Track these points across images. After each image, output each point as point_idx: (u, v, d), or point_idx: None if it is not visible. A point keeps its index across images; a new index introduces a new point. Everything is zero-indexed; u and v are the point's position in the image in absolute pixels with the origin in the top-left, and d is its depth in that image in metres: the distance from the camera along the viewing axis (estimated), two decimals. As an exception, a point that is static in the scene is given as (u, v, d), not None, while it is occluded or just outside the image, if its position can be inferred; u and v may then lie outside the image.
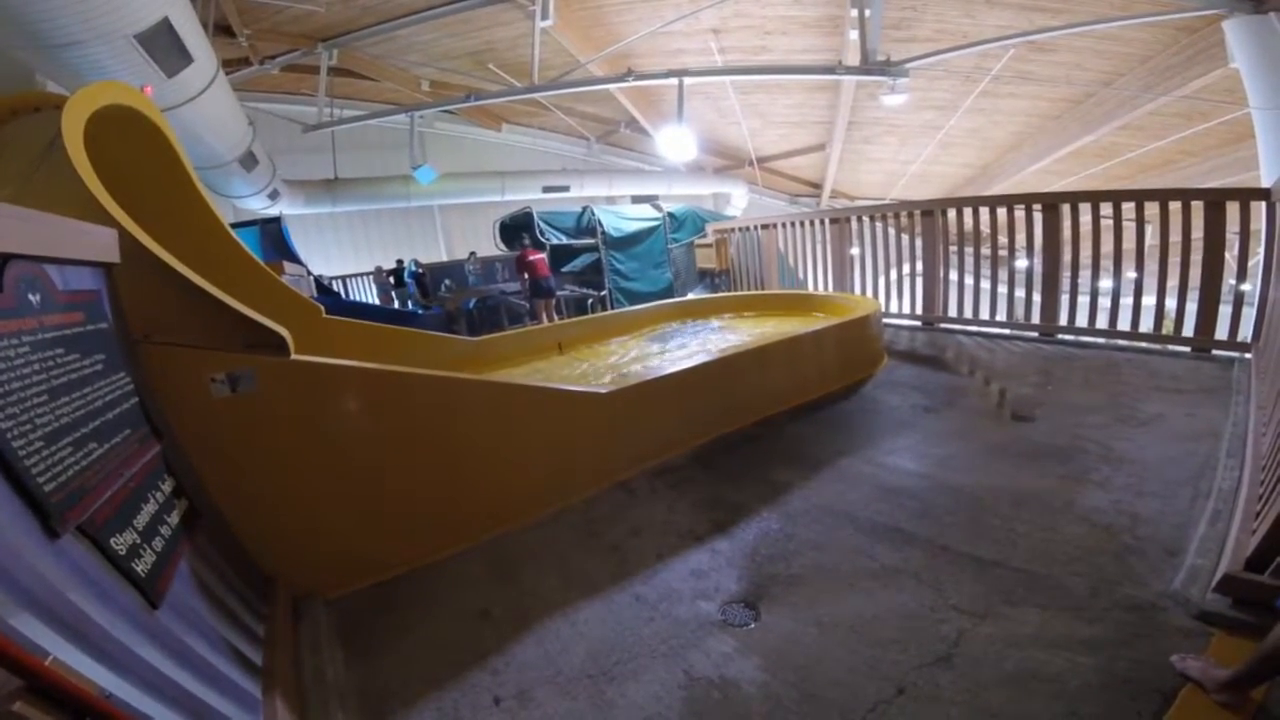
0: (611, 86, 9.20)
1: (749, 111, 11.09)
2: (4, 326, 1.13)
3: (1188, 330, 3.83)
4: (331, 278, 10.58)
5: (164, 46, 4.64)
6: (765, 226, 6.80)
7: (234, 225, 8.15)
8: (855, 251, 5.82)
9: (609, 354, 4.42)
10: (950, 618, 1.85)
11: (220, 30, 7.97)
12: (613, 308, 8.36)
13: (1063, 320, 4.31)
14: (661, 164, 13.46)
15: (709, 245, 7.64)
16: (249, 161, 8.30)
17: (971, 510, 2.45)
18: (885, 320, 5.02)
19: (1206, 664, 1.50)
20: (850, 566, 2.17)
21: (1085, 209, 4.27)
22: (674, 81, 7.73)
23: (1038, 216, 4.40)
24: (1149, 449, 2.74)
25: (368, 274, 11.34)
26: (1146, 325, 4.03)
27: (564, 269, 9.09)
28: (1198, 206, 3.68)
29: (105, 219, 1.76)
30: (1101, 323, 4.20)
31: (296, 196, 10.66)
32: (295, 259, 8.14)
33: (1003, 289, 4.87)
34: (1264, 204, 3.47)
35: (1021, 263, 4.85)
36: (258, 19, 8.23)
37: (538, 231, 8.48)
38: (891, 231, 5.54)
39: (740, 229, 7.34)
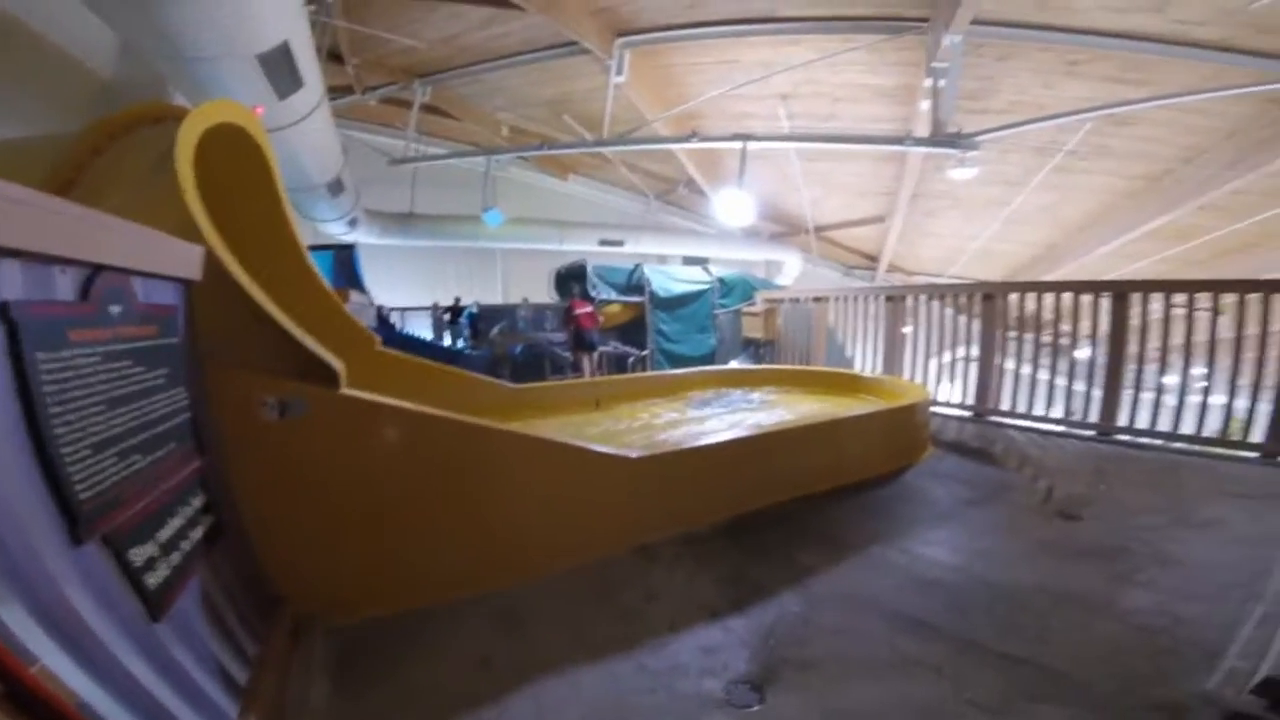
0: (676, 146, 9.54)
1: (811, 179, 11.16)
2: (80, 335, 1.22)
3: (1257, 434, 3.60)
4: (392, 309, 11.05)
5: (280, 69, 4.88)
6: (817, 299, 6.78)
7: (312, 248, 8.72)
8: (908, 330, 5.71)
9: (646, 414, 4.41)
10: (966, 712, 1.75)
11: (330, 57, 8.60)
12: (653, 368, 8.39)
13: (1123, 419, 4.08)
14: (715, 226, 13.69)
15: (757, 314, 7.64)
16: (336, 188, 8.73)
17: (1004, 606, 2.32)
18: (934, 408, 4.86)
19: None
20: (867, 656, 2.07)
21: (1156, 297, 4.09)
22: (738, 145, 7.91)
23: (1104, 303, 4.24)
24: (1203, 552, 2.59)
25: (425, 308, 11.80)
26: (1213, 427, 3.80)
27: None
28: (1277, 298, 3.52)
29: (197, 236, 1.88)
30: (1164, 422, 3.97)
31: (373, 226, 11.23)
32: (362, 288, 8.58)
33: (1060, 380, 4.66)
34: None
35: (1082, 353, 4.66)
36: (366, 49, 8.87)
37: (589, 284, 8.69)
38: (949, 311, 5.43)
39: (790, 299, 7.34)
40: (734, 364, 7.53)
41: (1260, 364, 3.60)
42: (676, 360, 8.61)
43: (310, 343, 2.04)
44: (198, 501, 1.66)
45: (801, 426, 3.53)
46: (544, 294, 9.71)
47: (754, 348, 7.69)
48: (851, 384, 4.88)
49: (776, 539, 2.92)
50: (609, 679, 1.98)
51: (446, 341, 10.70)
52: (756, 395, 4.97)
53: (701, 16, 7.32)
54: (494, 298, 14.11)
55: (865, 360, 6.09)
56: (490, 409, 3.97)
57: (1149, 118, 7.26)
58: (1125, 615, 2.19)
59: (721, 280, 9.50)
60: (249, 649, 1.72)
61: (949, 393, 5.34)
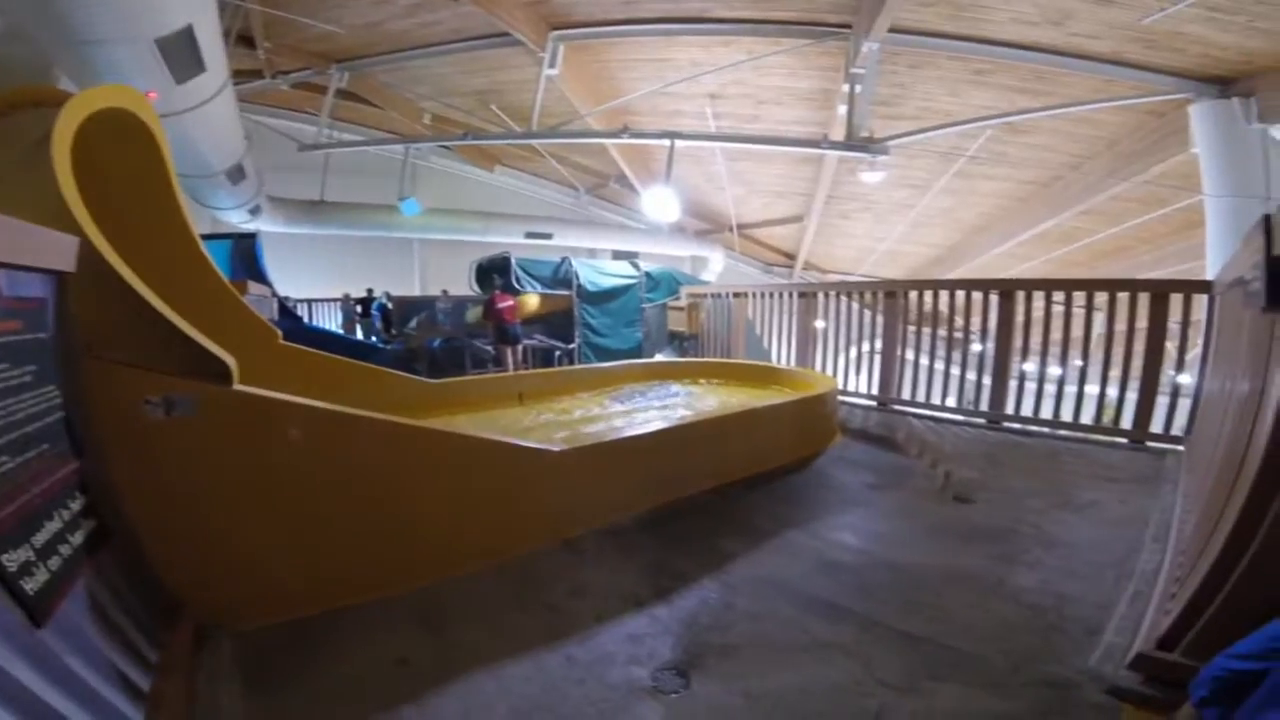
0: (607, 141, 9.49)
1: (735, 178, 11.46)
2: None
3: (1128, 421, 3.99)
4: (298, 301, 10.41)
5: (181, 53, 4.64)
6: (737, 295, 6.99)
7: (208, 237, 8.09)
8: (821, 325, 6.00)
9: (571, 409, 4.41)
10: (874, 691, 1.87)
11: (241, 40, 8.08)
12: (580, 362, 8.36)
13: (1010, 409, 4.47)
14: (645, 222, 13.81)
15: (682, 308, 7.79)
16: (236, 175, 8.26)
17: (906, 587, 2.50)
18: (842, 398, 5.16)
19: None
20: (784, 639, 2.18)
21: (1039, 296, 4.49)
22: (666, 143, 7.97)
23: (993, 300, 4.60)
24: (1081, 533, 2.86)
25: (335, 300, 11.20)
26: (1091, 415, 4.19)
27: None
28: (1143, 297, 3.87)
29: (71, 225, 1.74)
30: (1047, 411, 4.37)
31: (278, 214, 10.62)
32: (263, 279, 8.03)
33: (957, 371, 5.04)
34: (1205, 297, 3.64)
35: (977, 346, 5.06)
36: (282, 34, 8.37)
37: (514, 278, 8.52)
38: (856, 308, 5.74)
39: (713, 294, 7.52)
40: (660, 357, 7.65)
41: (1127, 357, 3.98)
42: (604, 354, 8.61)
43: (198, 337, 1.91)
44: (77, 504, 1.54)
45: (719, 417, 3.63)
46: (465, 286, 9.41)
47: (679, 341, 7.83)
48: (768, 376, 5.08)
49: (697, 528, 3.00)
50: (536, 671, 1.98)
51: (360, 335, 10.19)
52: (680, 388, 5.08)
53: (637, 14, 7.34)
54: (411, 289, 13.58)
55: (782, 353, 6.34)
56: (406, 405, 3.84)
57: (1043, 127, 7.86)
58: (1015, 594, 2.39)
59: (649, 275, 9.57)
60: (150, 655, 1.63)
61: (858, 383, 5.67)
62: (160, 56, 4.42)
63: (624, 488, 2.94)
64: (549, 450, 2.70)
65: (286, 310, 8.59)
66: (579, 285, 8.86)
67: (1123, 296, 4.01)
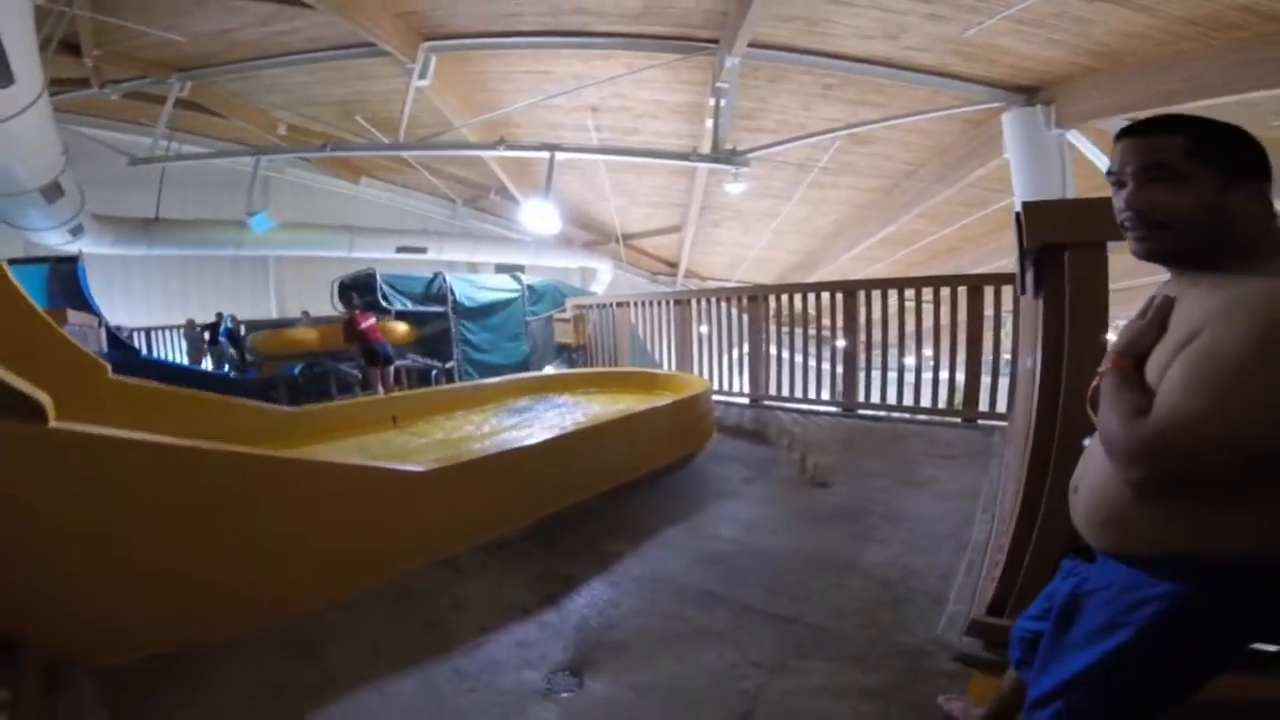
0: (484, 154, 9.25)
1: (617, 189, 11.56)
2: None
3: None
4: (133, 330, 9.24)
5: None
6: (620, 304, 7.14)
7: (18, 261, 6.97)
8: (705, 330, 6.29)
9: (449, 428, 4.29)
10: (750, 674, 2.00)
11: (65, 47, 7.06)
12: (461, 379, 8.12)
13: (861, 396, 4.96)
14: (529, 234, 13.69)
15: (567, 320, 7.81)
16: (53, 193, 7.21)
17: (773, 571, 2.69)
18: (721, 398, 5.45)
19: (967, 704, 1.66)
20: (667, 630, 2.29)
21: (877, 295, 4.94)
22: (545, 155, 7.89)
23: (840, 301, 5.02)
24: (922, 508, 3.17)
25: (178, 327, 10.05)
26: (937, 399, 4.67)
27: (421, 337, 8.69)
28: (962, 291, 4.31)
29: None
30: (892, 397, 4.86)
31: (105, 234, 9.40)
32: (88, 306, 7.05)
33: (823, 366, 5.50)
34: (1011, 288, 4.01)
35: (841, 342, 5.54)
36: (113, 41, 7.43)
37: (380, 295, 8.11)
38: (734, 312, 6.10)
39: (598, 305, 7.62)
40: (548, 369, 7.63)
41: (953, 345, 4.42)
42: (486, 370, 8.42)
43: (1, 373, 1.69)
44: None
45: (597, 425, 3.69)
46: (329, 306, 8.76)
47: (567, 353, 7.84)
48: (649, 382, 5.25)
49: (582, 535, 3.06)
50: (423, 685, 1.96)
51: (210, 366, 9.18)
52: (564, 398, 5.12)
53: (517, 26, 7.22)
54: (267, 311, 12.47)
55: (664, 359, 6.57)
56: (269, 435, 3.57)
57: (883, 137, 8.50)
58: (868, 570, 2.63)
59: (531, 288, 9.50)
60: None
61: (739, 383, 6.01)
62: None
63: (505, 501, 2.92)
64: (412, 471, 2.65)
65: (118, 341, 7.59)
66: (455, 301, 8.61)
67: (945, 291, 4.48)
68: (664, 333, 6.58)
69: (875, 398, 4.91)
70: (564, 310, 8.24)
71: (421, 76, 7.55)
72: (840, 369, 5.11)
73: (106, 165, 9.15)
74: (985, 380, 4.29)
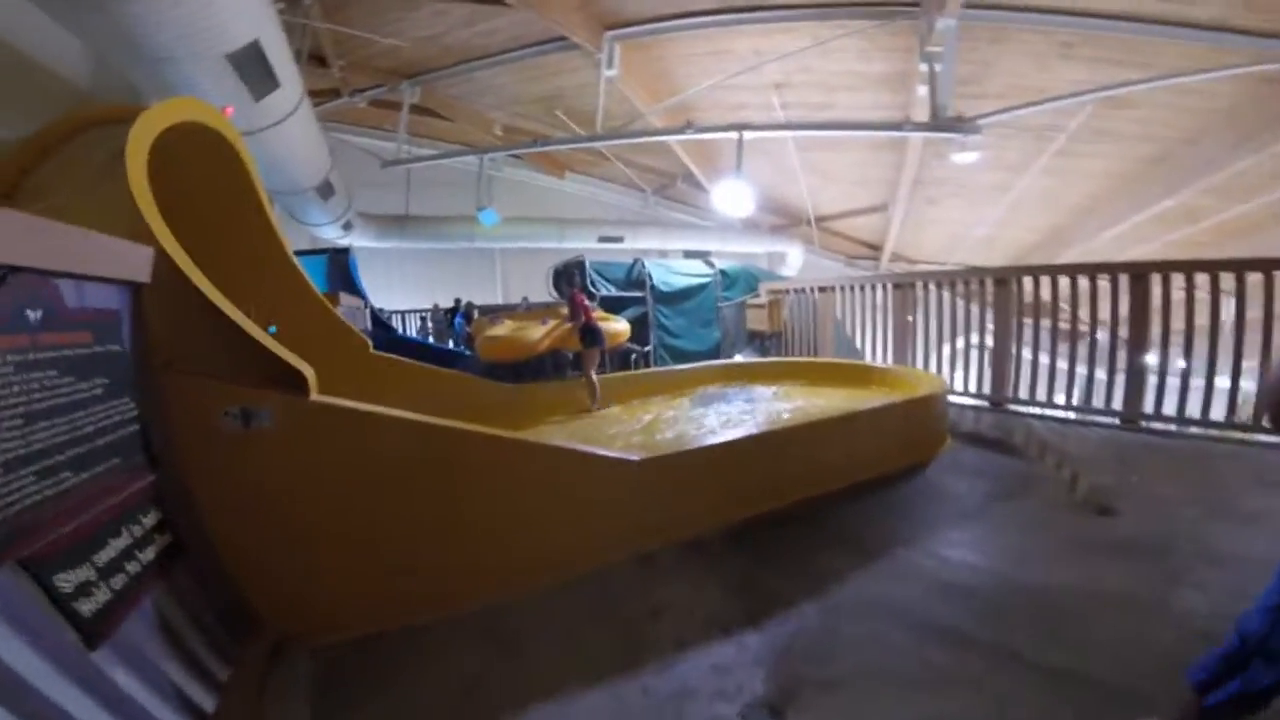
0: (671, 139, 9.37)
1: (809, 169, 11.01)
2: (-14, 342, 1.07)
3: None
4: (392, 312, 10.91)
5: (253, 69, 4.79)
6: (823, 289, 6.59)
7: (305, 252, 8.62)
8: (910, 318, 5.53)
9: (649, 412, 4.25)
10: None
11: (315, 60, 8.53)
12: (656, 364, 8.18)
13: (1148, 406, 3.89)
14: (715, 220, 13.51)
15: (761, 306, 7.45)
16: (325, 191, 8.62)
17: (1044, 612, 2.15)
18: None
19: None
20: (898, 671, 1.91)
21: (1178, 279, 3.89)
22: (733, 136, 7.73)
23: (1123, 286, 4.04)
24: (1253, 548, 2.40)
25: (426, 311, 11.69)
26: (1243, 413, 3.62)
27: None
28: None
29: (147, 237, 1.75)
30: (1190, 408, 3.79)
31: (369, 229, 11.16)
32: (358, 291, 8.42)
33: (1078, 367, 4.44)
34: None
35: (1102, 337, 4.45)
36: (350, 51, 8.76)
37: (589, 281, 8.49)
38: (958, 300, 5.23)
39: (795, 290, 7.15)
40: (739, 358, 7.35)
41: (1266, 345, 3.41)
42: (680, 355, 8.41)
43: (274, 347, 1.87)
44: (149, 519, 1.52)
45: (813, 422, 3.37)
46: (545, 293, 9.51)
47: (759, 340, 7.50)
48: (863, 375, 4.70)
49: (790, 543, 2.74)
50: (610, 703, 1.82)
51: (451, 344, 10.53)
52: (764, 389, 4.79)
53: (690, 6, 7.18)
54: (494, 298, 13.96)
55: (874, 351, 5.92)
56: (489, 409, 3.84)
57: (1148, 100, 7.07)
58: (1180, 620, 2.01)
59: (724, 273, 9.27)
60: (219, 674, 1.58)
61: (961, 381, 5.16)
62: (235, 71, 4.58)
63: (709, 498, 2.75)
64: (628, 459, 2.55)
65: (379, 321, 9.00)
66: (652, 286, 8.71)
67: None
68: (873, 320, 5.89)
69: (1166, 409, 3.83)
70: (758, 295, 7.88)
71: (609, 66, 7.79)
72: (1103, 371, 4.06)
73: (363, 168, 10.87)
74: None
